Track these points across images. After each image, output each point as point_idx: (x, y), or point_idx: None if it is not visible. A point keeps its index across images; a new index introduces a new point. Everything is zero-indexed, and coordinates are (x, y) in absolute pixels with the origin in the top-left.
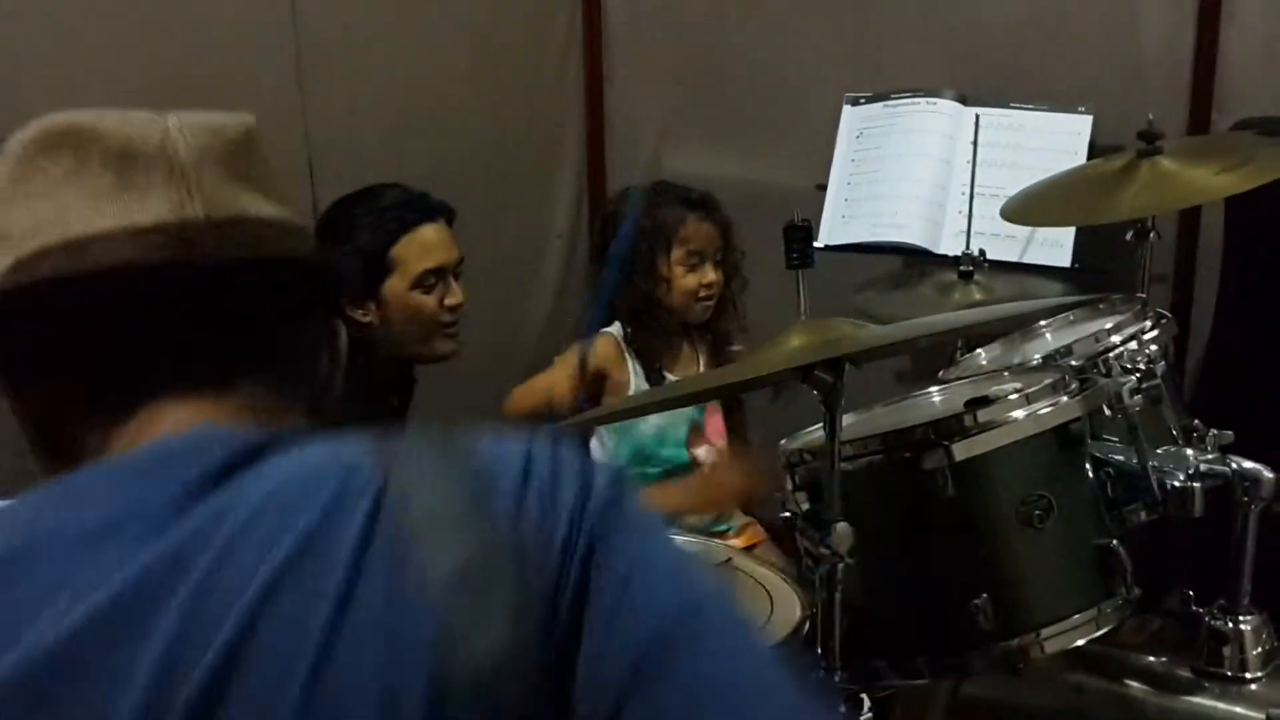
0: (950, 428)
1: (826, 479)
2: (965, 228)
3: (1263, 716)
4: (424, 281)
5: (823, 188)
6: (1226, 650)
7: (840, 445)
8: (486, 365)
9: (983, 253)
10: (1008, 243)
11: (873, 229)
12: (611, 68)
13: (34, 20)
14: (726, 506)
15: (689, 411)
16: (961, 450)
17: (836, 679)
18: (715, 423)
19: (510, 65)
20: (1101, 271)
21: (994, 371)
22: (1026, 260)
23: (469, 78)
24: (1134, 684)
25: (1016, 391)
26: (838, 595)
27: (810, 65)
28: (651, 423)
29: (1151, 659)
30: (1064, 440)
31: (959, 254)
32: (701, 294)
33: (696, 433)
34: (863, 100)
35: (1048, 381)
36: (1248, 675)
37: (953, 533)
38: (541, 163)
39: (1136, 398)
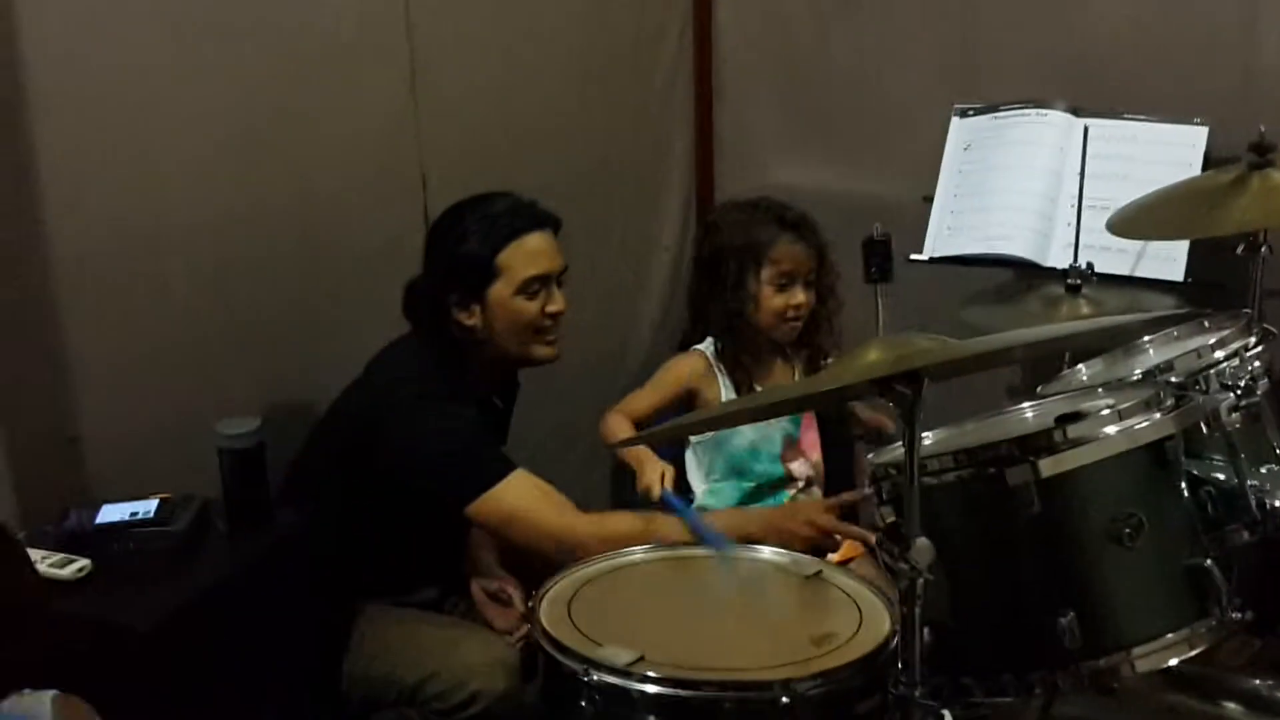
0: (1037, 443)
1: (906, 493)
2: (1074, 241)
3: None
4: (528, 288)
5: (929, 200)
6: None
7: (926, 460)
8: (593, 374)
9: (1090, 266)
10: (1119, 256)
11: (979, 241)
12: (721, 84)
13: (150, 35)
14: (793, 546)
15: (783, 425)
16: (1049, 466)
17: (917, 694)
18: (811, 437)
19: (620, 79)
20: (1215, 286)
21: (1090, 388)
22: (1138, 274)
23: (579, 91)
24: (1231, 705)
25: (1109, 407)
26: (918, 610)
27: (915, 78)
28: (745, 436)
29: (1250, 680)
30: (1156, 458)
31: (1067, 267)
32: (790, 314)
33: (791, 446)
34: (971, 112)
35: (1141, 398)
36: None
37: (1039, 550)
38: (649, 176)
39: (1235, 415)
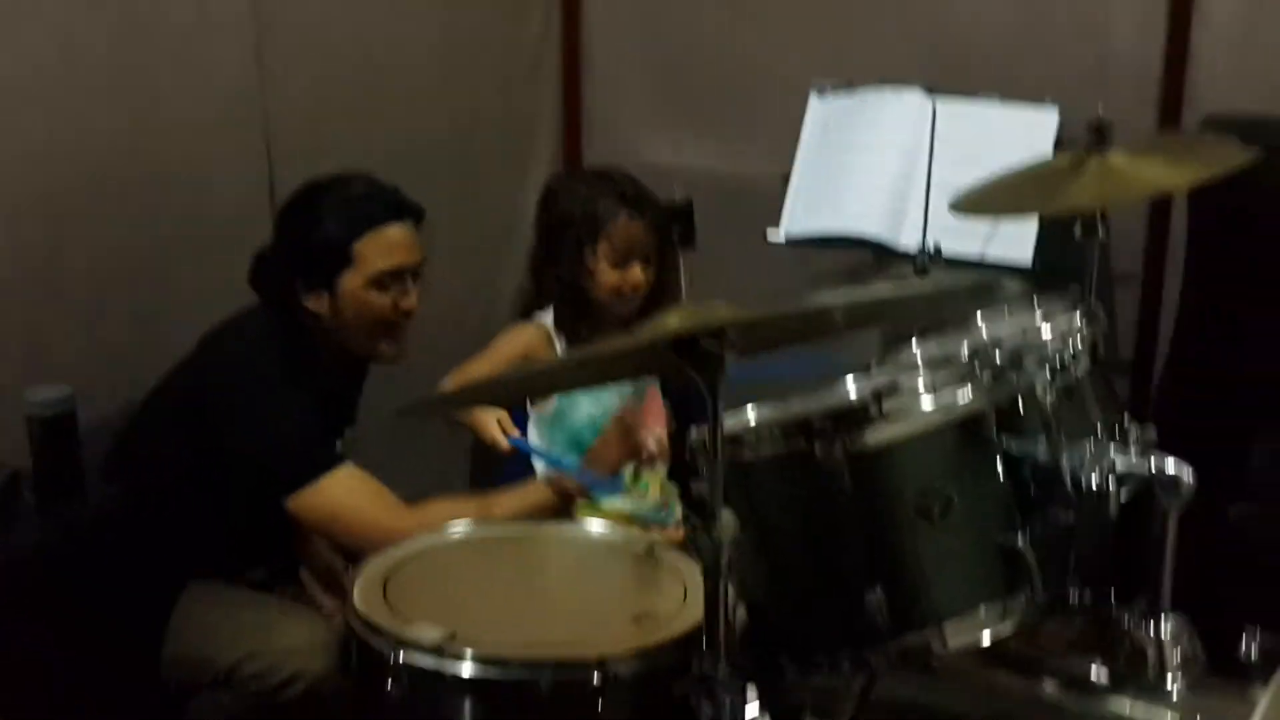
0: (848, 417)
1: (709, 465)
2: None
3: None
4: (381, 281)
5: (787, 178)
6: (1146, 654)
7: (742, 434)
8: (456, 347)
9: (938, 247)
10: (969, 239)
11: (833, 221)
12: (589, 57)
13: None
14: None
15: (624, 398)
16: (858, 441)
17: (722, 672)
18: (655, 407)
19: (482, 50)
20: (1062, 270)
21: (915, 364)
22: (987, 256)
23: (437, 60)
24: (1050, 685)
25: (923, 382)
26: (723, 586)
27: (782, 56)
28: (584, 410)
29: (1069, 661)
30: (968, 434)
31: (915, 249)
32: (626, 291)
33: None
34: (830, 90)
35: (953, 373)
36: (1167, 681)
37: (850, 526)
38: (515, 148)
39: (1051, 392)
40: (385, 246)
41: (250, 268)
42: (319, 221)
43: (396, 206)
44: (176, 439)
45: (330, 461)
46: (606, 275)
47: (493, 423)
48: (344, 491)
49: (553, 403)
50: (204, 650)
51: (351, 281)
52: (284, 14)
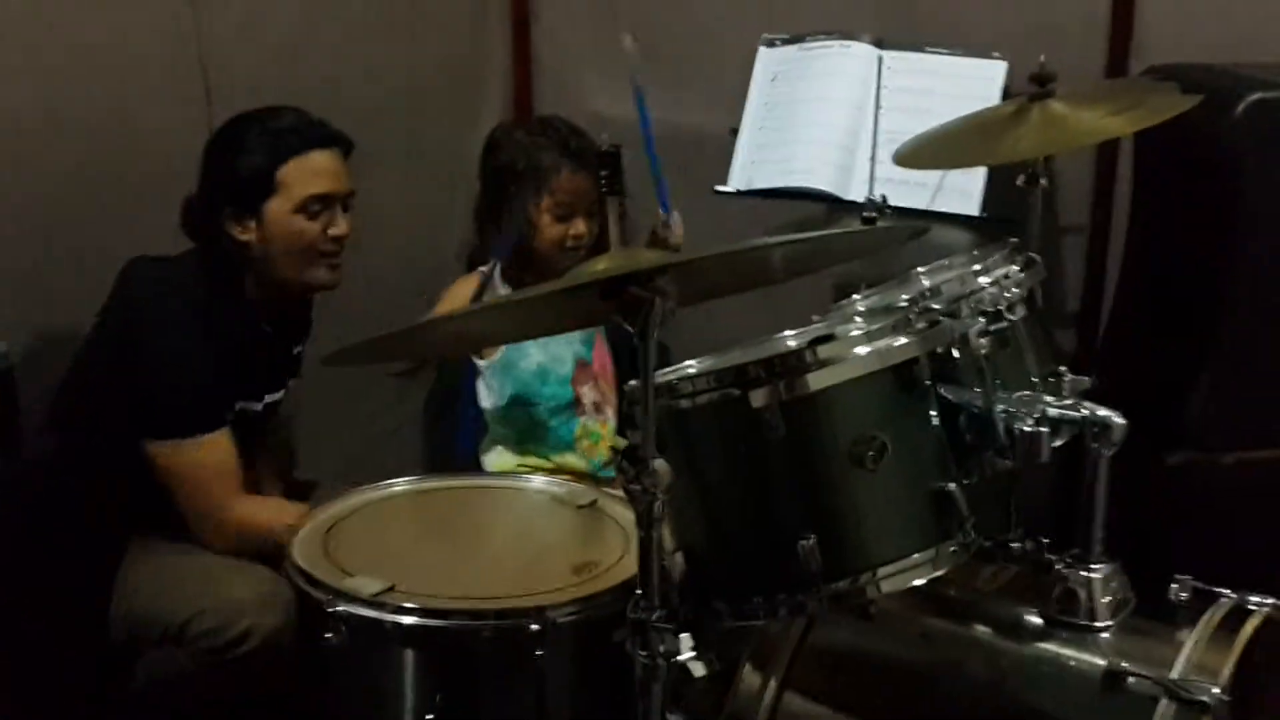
0: (782, 365)
1: (641, 413)
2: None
3: (1105, 664)
4: (308, 207)
5: (735, 132)
6: (1078, 598)
7: (678, 383)
8: (406, 297)
9: (884, 199)
10: (917, 190)
11: (782, 174)
12: (538, 7)
13: None
14: None
15: (575, 348)
16: (792, 387)
17: (654, 618)
18: (603, 359)
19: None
20: (1008, 221)
21: (854, 313)
22: (935, 208)
23: (384, 11)
24: (982, 629)
25: (859, 330)
26: (655, 534)
27: (734, 7)
28: (534, 360)
29: (1004, 605)
30: (901, 381)
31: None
32: (569, 244)
33: (584, 369)
34: (778, 42)
35: (888, 322)
36: (1097, 624)
37: (783, 472)
38: (464, 97)
39: (984, 340)
40: (310, 172)
41: (181, 214)
42: (244, 150)
43: (322, 135)
44: (107, 385)
45: (207, 424)
46: (550, 229)
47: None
48: (196, 458)
49: (500, 351)
50: (153, 607)
51: (279, 208)
52: None
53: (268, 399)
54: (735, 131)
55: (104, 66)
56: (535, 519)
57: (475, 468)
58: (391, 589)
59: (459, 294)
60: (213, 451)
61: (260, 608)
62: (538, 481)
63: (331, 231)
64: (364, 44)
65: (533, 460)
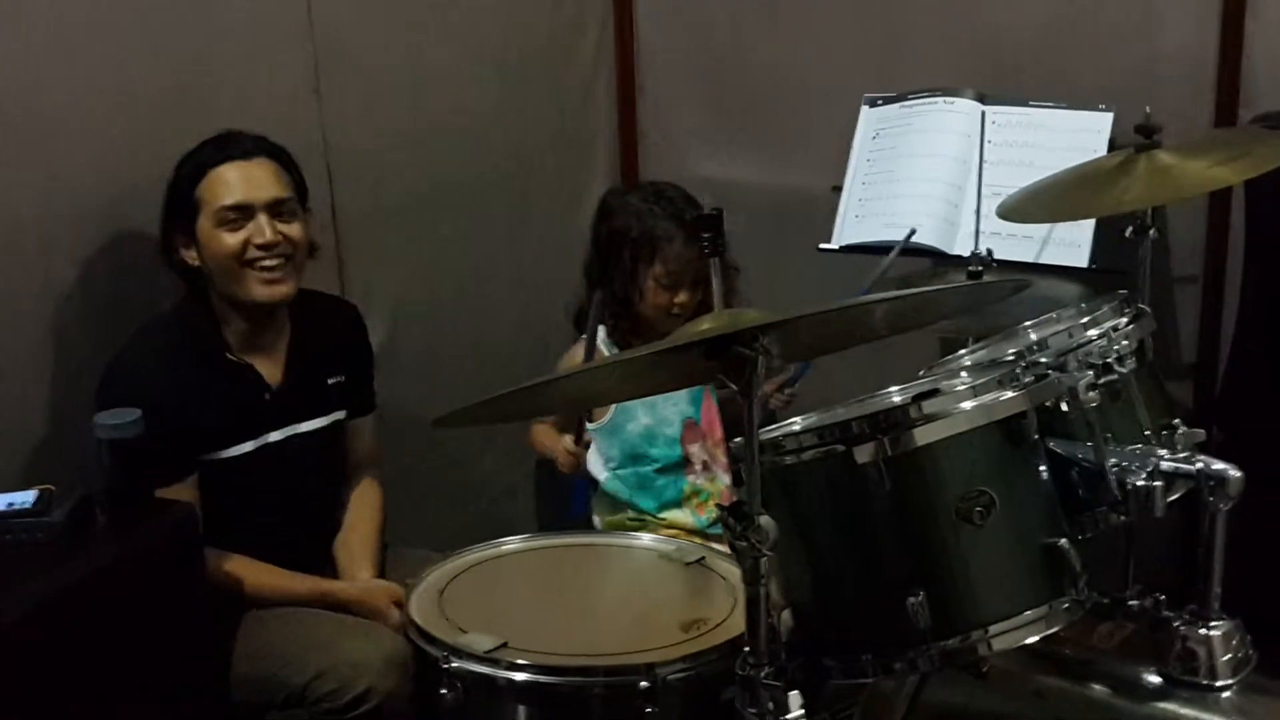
0: (887, 421)
1: (748, 469)
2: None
3: None
4: (225, 219)
5: (838, 189)
6: (1197, 656)
7: (782, 440)
8: (515, 368)
9: (990, 253)
10: (1024, 244)
11: (885, 229)
12: (644, 79)
13: (45, 29)
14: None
15: (681, 408)
16: (897, 444)
17: (763, 675)
18: (711, 417)
19: (538, 73)
20: (1118, 272)
21: (960, 368)
22: (1043, 261)
23: (493, 85)
24: (1098, 688)
25: (965, 385)
26: (763, 590)
27: (832, 69)
28: (640, 421)
29: (1121, 664)
30: (1009, 435)
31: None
32: (673, 310)
33: (692, 428)
34: (880, 101)
35: (994, 376)
36: (1217, 683)
37: (890, 528)
38: (571, 171)
39: (1093, 393)
40: (221, 185)
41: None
42: (175, 176)
43: (236, 146)
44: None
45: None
46: (656, 295)
47: (559, 448)
48: None
49: (610, 413)
50: (274, 670)
51: (204, 226)
52: (341, 41)
53: (272, 437)
54: (838, 189)
55: None
56: (644, 576)
57: (586, 526)
58: (504, 646)
59: (574, 360)
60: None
61: (380, 669)
62: (646, 539)
63: (256, 240)
64: (476, 119)
65: (643, 519)
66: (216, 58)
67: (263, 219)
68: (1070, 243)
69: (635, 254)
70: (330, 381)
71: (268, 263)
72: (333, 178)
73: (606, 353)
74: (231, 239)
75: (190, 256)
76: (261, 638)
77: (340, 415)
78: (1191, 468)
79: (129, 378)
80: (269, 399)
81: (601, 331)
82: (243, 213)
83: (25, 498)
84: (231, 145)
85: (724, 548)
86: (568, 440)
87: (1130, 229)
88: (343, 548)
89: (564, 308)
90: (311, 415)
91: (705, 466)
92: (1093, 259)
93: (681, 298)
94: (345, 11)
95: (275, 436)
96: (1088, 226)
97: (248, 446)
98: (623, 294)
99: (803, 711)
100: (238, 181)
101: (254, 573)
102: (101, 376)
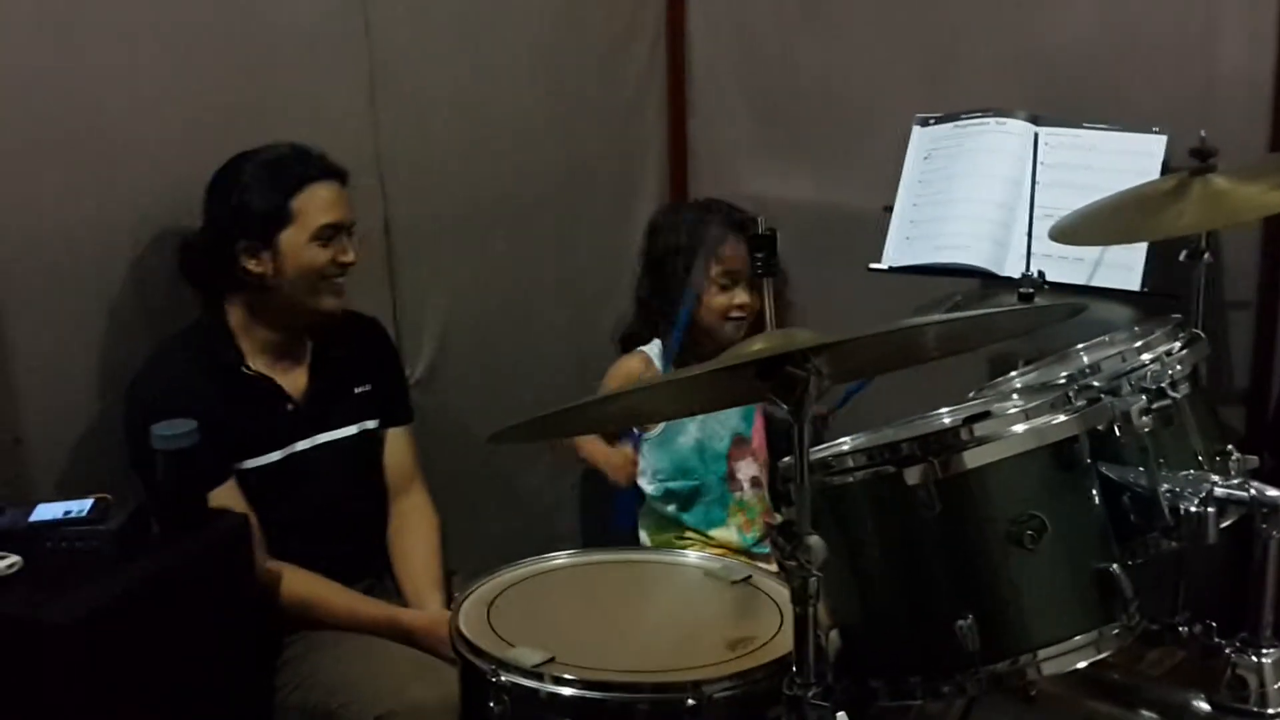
0: (938, 443)
1: (797, 489)
2: (1026, 250)
3: None
4: (322, 235)
5: (889, 209)
6: (1248, 684)
7: (831, 460)
8: (563, 381)
9: (1042, 275)
10: (1075, 266)
11: (935, 251)
12: (694, 96)
13: (106, 38)
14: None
15: (732, 424)
16: (948, 465)
17: (810, 695)
18: (762, 435)
19: (590, 89)
20: (1170, 296)
21: (1011, 390)
22: (1095, 283)
23: (544, 100)
24: (1148, 714)
25: (1016, 408)
26: (812, 610)
27: (884, 89)
28: (691, 435)
29: (1170, 691)
30: (1060, 459)
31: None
32: (733, 314)
33: (741, 444)
34: (932, 121)
35: (1046, 399)
36: (1269, 711)
37: (941, 551)
38: (621, 186)
39: (1146, 418)
40: (323, 201)
41: (180, 254)
42: (252, 185)
43: (325, 166)
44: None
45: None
46: (715, 298)
47: (614, 460)
48: None
49: (659, 427)
50: (332, 706)
51: (294, 238)
52: (397, 55)
53: (299, 446)
54: (889, 209)
55: None
56: (690, 594)
57: (632, 542)
58: (552, 660)
59: (622, 372)
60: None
61: (439, 714)
62: (692, 557)
63: (341, 259)
64: (527, 136)
65: (689, 535)
66: (273, 69)
67: (346, 239)
68: (1123, 265)
69: (690, 260)
70: (357, 391)
71: (340, 279)
72: (386, 190)
73: (659, 366)
74: (323, 254)
75: (256, 264)
76: (319, 667)
77: (371, 424)
78: (1244, 494)
79: (150, 400)
80: (292, 409)
81: (656, 346)
82: (336, 231)
83: (82, 506)
84: (318, 162)
85: (770, 566)
86: (627, 449)
87: (1184, 253)
88: (405, 574)
89: (614, 329)
90: (339, 424)
91: (755, 483)
92: (1145, 282)
93: (741, 298)
94: (402, 25)
95: (302, 445)
96: (1140, 249)
97: (275, 456)
98: (686, 304)
99: None
100: (335, 200)
101: (325, 591)
102: (125, 401)
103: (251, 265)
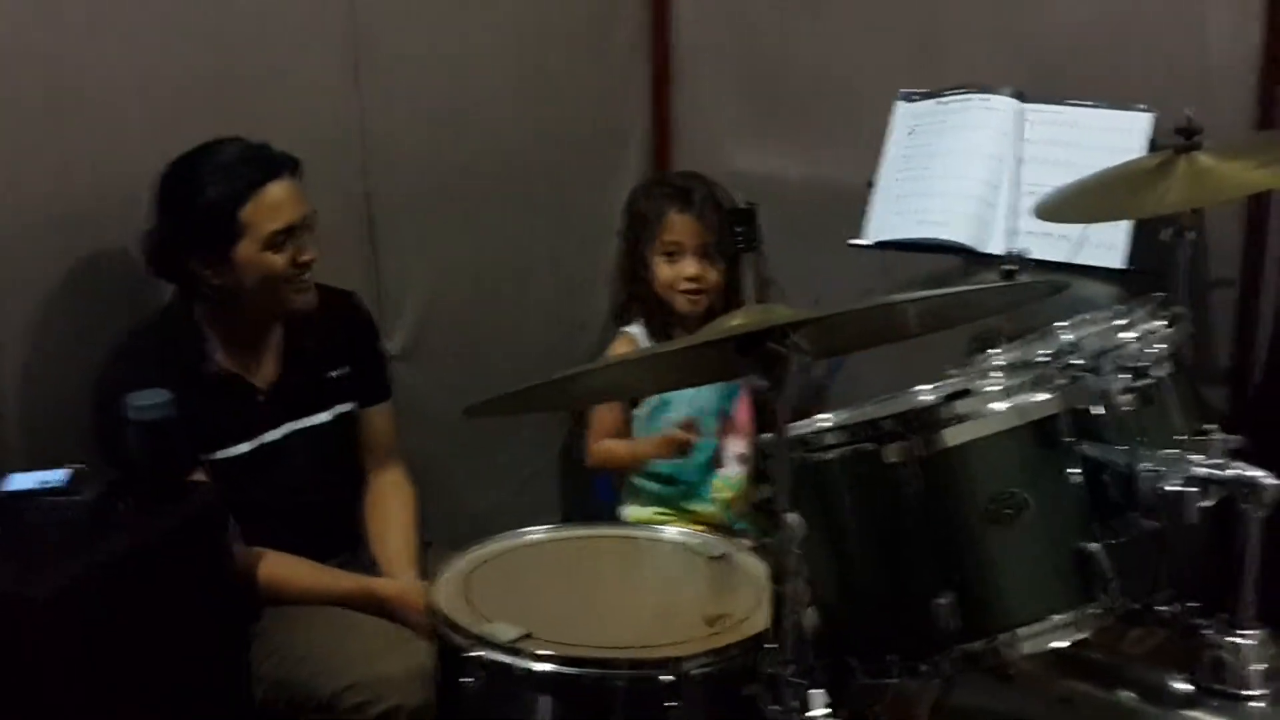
0: (918, 420)
1: (776, 467)
2: (1010, 227)
3: None
4: (275, 241)
5: (872, 185)
6: (1226, 665)
7: (809, 437)
8: (549, 358)
9: (1025, 252)
10: (1059, 243)
11: (917, 226)
12: (678, 68)
13: (79, 11)
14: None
15: (716, 402)
16: (928, 443)
17: (788, 673)
18: (745, 414)
19: (573, 64)
20: (1154, 274)
21: (991, 368)
22: (1078, 261)
23: (528, 74)
24: (1126, 694)
25: (996, 385)
26: (790, 587)
27: (872, 64)
28: (680, 411)
29: (1149, 671)
30: (1041, 437)
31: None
32: (681, 286)
33: (726, 421)
34: (916, 96)
35: (1028, 377)
36: (1247, 693)
37: (918, 529)
38: (604, 160)
39: (1127, 396)
40: (271, 208)
41: (144, 250)
42: (196, 198)
43: (271, 165)
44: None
45: None
46: (662, 270)
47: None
48: None
49: (651, 401)
50: (304, 677)
51: (247, 249)
52: (381, 29)
53: (269, 436)
54: (871, 184)
55: (274, 139)
56: (669, 569)
57: (611, 517)
58: (528, 636)
59: (616, 354)
60: None
61: (410, 686)
62: (671, 532)
63: (300, 259)
64: (512, 109)
65: (669, 510)
66: (255, 42)
67: (304, 236)
68: (1106, 244)
69: (639, 235)
70: (332, 374)
71: (305, 277)
72: (368, 162)
73: (644, 345)
74: (280, 259)
75: (213, 275)
76: (291, 639)
77: (346, 407)
78: (1226, 474)
79: (117, 398)
80: (262, 400)
81: (638, 326)
82: (290, 233)
83: (58, 476)
84: (264, 162)
85: (749, 542)
86: (672, 429)
87: (1168, 231)
88: (381, 547)
89: (598, 303)
90: (311, 411)
91: (741, 460)
92: (1128, 260)
93: (689, 270)
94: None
95: (273, 435)
96: (1124, 228)
97: (244, 447)
98: (640, 281)
99: (827, 710)
100: (284, 201)
101: (298, 570)
102: (92, 400)
103: (208, 276)
